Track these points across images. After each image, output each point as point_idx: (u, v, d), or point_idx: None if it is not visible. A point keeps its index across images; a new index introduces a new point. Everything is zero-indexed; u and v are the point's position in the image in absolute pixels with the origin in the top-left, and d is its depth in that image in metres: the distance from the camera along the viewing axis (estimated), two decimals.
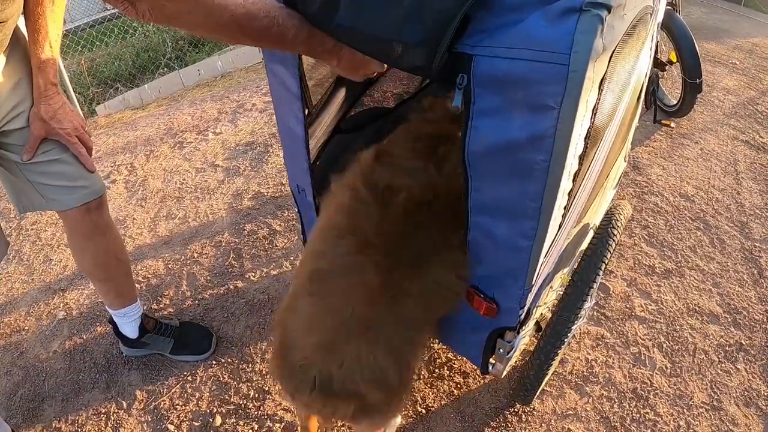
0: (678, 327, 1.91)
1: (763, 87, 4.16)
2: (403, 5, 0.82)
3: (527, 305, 1.13)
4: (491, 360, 1.28)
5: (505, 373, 1.32)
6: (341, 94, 1.57)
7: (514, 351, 1.24)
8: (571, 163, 0.86)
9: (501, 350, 1.23)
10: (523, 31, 0.76)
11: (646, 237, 2.33)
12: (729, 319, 1.96)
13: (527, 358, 1.45)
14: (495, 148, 0.87)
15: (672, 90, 3.44)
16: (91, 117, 3.62)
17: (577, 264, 1.34)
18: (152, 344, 1.71)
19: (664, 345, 1.84)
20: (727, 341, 1.87)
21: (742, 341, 1.88)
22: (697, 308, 1.99)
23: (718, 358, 1.81)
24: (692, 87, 2.91)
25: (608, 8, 0.72)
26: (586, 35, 0.71)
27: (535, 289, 1.11)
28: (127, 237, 2.33)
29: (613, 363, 1.76)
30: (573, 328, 1.29)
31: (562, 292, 1.32)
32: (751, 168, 3.05)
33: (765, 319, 1.97)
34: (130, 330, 1.68)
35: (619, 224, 1.36)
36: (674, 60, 2.89)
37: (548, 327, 1.30)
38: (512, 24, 0.78)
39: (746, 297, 2.07)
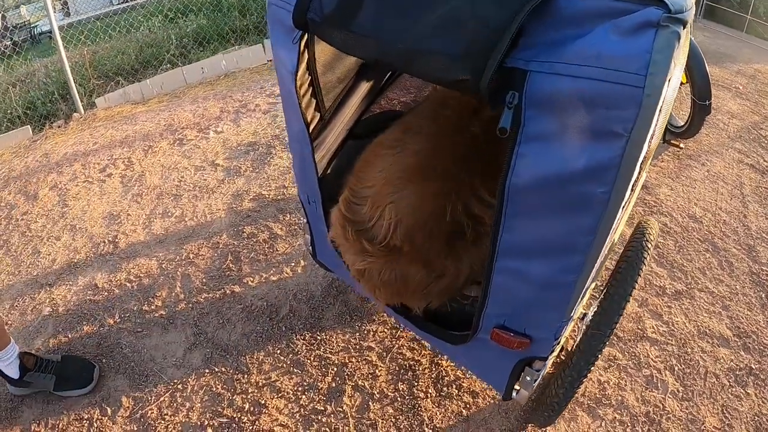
0: (689, 349, 1.86)
1: (765, 112, 4.18)
2: (437, 12, 0.73)
3: (563, 333, 1.06)
4: (515, 387, 1.21)
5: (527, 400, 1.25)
6: (355, 97, 1.51)
7: (540, 378, 1.17)
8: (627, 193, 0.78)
9: (528, 378, 1.16)
10: (589, 46, 0.66)
11: (656, 257, 2.28)
12: (739, 343, 1.92)
13: (553, 378, 1.38)
14: (543, 180, 0.77)
15: (679, 110, 3.43)
16: (90, 109, 3.53)
17: (612, 278, 1.28)
18: (35, 383, 1.61)
19: (676, 368, 1.78)
20: (737, 365, 1.83)
21: (752, 365, 1.84)
22: (707, 331, 1.95)
23: (729, 382, 1.77)
24: (701, 108, 2.88)
25: (684, 24, 0.64)
26: (663, 54, 0.62)
27: (577, 313, 1.05)
28: (120, 233, 2.24)
29: (625, 385, 1.69)
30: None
31: (595, 308, 1.26)
32: (756, 191, 3.03)
33: None
34: (12, 371, 1.59)
35: (652, 238, 1.31)
36: (684, 81, 2.87)
37: (582, 343, 1.23)
38: (575, 38, 0.68)
39: (755, 321, 2.03)
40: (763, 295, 2.17)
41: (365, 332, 1.79)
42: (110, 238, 2.23)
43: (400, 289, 1.21)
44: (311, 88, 1.23)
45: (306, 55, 1.11)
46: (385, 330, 1.80)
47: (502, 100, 0.73)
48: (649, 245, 1.29)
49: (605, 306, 1.22)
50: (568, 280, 0.88)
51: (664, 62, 0.63)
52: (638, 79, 0.63)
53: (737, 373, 1.80)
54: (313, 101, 1.28)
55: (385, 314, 1.85)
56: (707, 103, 2.84)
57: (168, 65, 4.08)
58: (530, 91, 0.71)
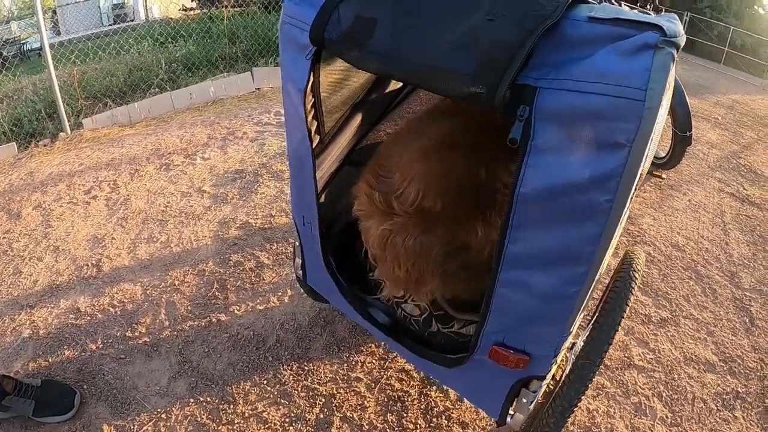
0: (676, 376, 1.87)
1: (744, 141, 4.31)
2: (454, 32, 0.80)
3: (561, 352, 1.07)
4: (510, 410, 1.20)
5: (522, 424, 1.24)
6: (354, 123, 1.53)
7: (536, 400, 1.16)
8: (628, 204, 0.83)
9: (524, 400, 1.15)
10: (594, 65, 0.73)
11: (641, 286, 2.31)
12: (725, 368, 1.94)
13: (543, 408, 1.37)
14: (550, 190, 0.81)
15: (661, 142, 3.52)
16: (77, 130, 3.51)
17: (601, 308, 1.30)
18: (13, 407, 1.55)
19: (664, 394, 1.79)
20: (724, 389, 1.85)
21: (739, 389, 1.86)
22: (693, 357, 1.96)
23: (716, 406, 1.78)
24: (682, 139, 2.96)
25: (678, 47, 0.71)
26: (660, 72, 0.69)
27: (571, 335, 1.05)
28: (104, 256, 2.20)
29: (614, 413, 1.69)
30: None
31: (584, 338, 1.27)
32: (737, 219, 3.10)
33: (759, 367, 1.96)
34: None
35: (639, 267, 1.33)
36: None
37: (572, 372, 1.23)
38: (580, 59, 0.75)
39: (740, 345, 2.06)
40: (747, 320, 2.20)
41: (353, 363, 1.77)
42: (94, 262, 2.19)
43: (420, 263, 1.20)
44: (313, 110, 1.25)
45: (312, 77, 1.13)
46: (374, 361, 1.78)
47: (513, 113, 0.79)
48: (637, 275, 1.31)
49: (595, 335, 1.22)
50: (570, 292, 0.89)
51: (662, 79, 0.70)
52: (639, 93, 0.70)
53: (724, 397, 1.81)
54: (314, 123, 1.29)
55: (373, 345, 1.83)
56: (688, 134, 2.92)
57: (156, 89, 4.09)
58: (539, 105, 0.77)
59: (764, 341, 2.11)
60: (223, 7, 5.57)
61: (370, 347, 1.82)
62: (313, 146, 1.23)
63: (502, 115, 0.80)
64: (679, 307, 2.23)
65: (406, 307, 1.43)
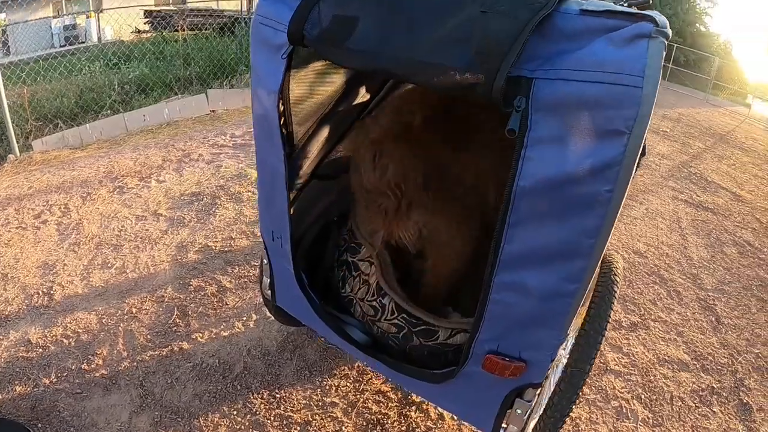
0: (652, 377, 1.89)
1: (692, 151, 4.51)
2: (448, 27, 0.79)
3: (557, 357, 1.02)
4: (503, 424, 1.13)
5: None
6: (321, 136, 1.48)
7: (534, 411, 1.11)
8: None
9: (519, 411, 1.09)
10: (589, 54, 0.73)
11: None
12: (697, 366, 1.98)
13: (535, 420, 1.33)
14: (549, 183, 0.79)
15: None
16: (26, 152, 3.32)
17: (586, 314, 1.27)
18: None
19: (643, 396, 1.80)
20: (699, 386, 1.88)
21: (713, 385, 1.90)
22: (666, 357, 2.00)
23: (694, 403, 1.81)
24: None
25: (667, 37, 0.73)
26: (655, 59, 0.70)
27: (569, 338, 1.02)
28: (56, 284, 2.05)
29: (597, 419, 1.68)
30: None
31: (571, 347, 1.24)
32: (693, 224, 3.21)
33: (730, 363, 2.02)
34: None
35: (619, 272, 1.32)
36: None
37: (561, 382, 1.19)
38: (575, 49, 0.74)
39: (709, 343, 2.12)
40: (713, 319, 2.28)
41: (327, 387, 1.69)
42: (45, 289, 2.03)
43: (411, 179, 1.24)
44: (283, 118, 1.20)
45: (284, 82, 1.09)
46: (348, 384, 1.70)
47: (509, 105, 0.77)
48: (618, 278, 1.30)
49: (581, 342, 1.20)
50: (569, 289, 0.86)
51: (657, 66, 0.70)
52: (637, 80, 0.70)
53: (701, 394, 1.85)
54: (284, 132, 1.24)
55: (346, 367, 1.76)
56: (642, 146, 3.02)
57: (109, 111, 3.94)
58: (536, 96, 0.76)
59: (732, 338, 2.18)
60: (177, 30, 5.49)
61: (344, 370, 1.75)
62: (287, 159, 1.18)
63: (499, 108, 0.78)
64: (647, 311, 2.27)
65: (382, 325, 1.37)
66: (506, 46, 0.74)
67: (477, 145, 1.27)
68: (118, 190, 2.78)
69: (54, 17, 9.63)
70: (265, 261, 1.47)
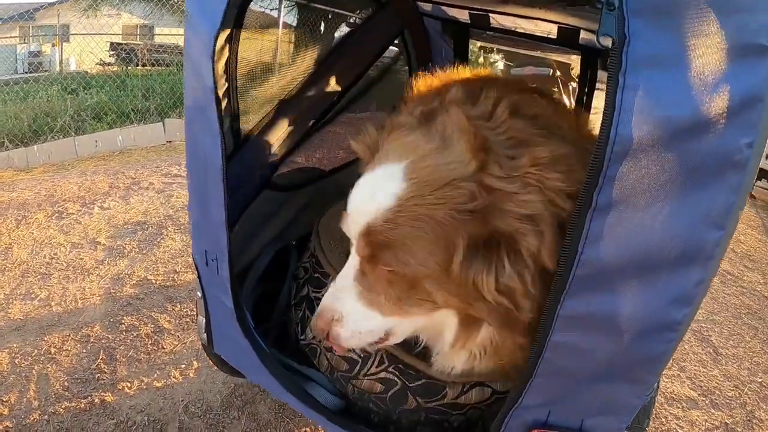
0: (664, 419, 1.80)
1: None
2: None
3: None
4: None
5: None
6: (280, 129, 1.21)
7: None
8: None
9: None
10: None
11: None
12: (707, 401, 1.92)
13: None
14: (661, 129, 0.51)
15: None
16: None
17: None
18: None
19: None
20: (713, 424, 1.81)
21: (726, 420, 1.84)
22: (674, 396, 1.93)
23: None
24: None
25: None
26: None
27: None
28: None
29: None
30: None
31: None
32: None
33: (737, 395, 1.97)
34: None
35: None
36: None
37: None
38: None
39: (713, 376, 2.07)
40: (711, 351, 2.26)
41: None
42: None
43: None
44: (226, 99, 0.96)
45: (226, 53, 0.88)
46: None
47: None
48: None
49: None
50: (676, 318, 0.58)
51: None
52: None
53: None
54: (227, 118, 1.01)
55: (308, 428, 1.55)
56: None
57: (59, 134, 3.74)
58: None
59: (733, 368, 2.14)
60: (142, 65, 5.44)
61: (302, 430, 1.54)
62: (225, 144, 0.89)
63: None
64: None
65: (360, 383, 1.04)
66: None
67: None
68: (57, 215, 2.59)
69: (19, 42, 9.44)
70: (199, 294, 1.15)
